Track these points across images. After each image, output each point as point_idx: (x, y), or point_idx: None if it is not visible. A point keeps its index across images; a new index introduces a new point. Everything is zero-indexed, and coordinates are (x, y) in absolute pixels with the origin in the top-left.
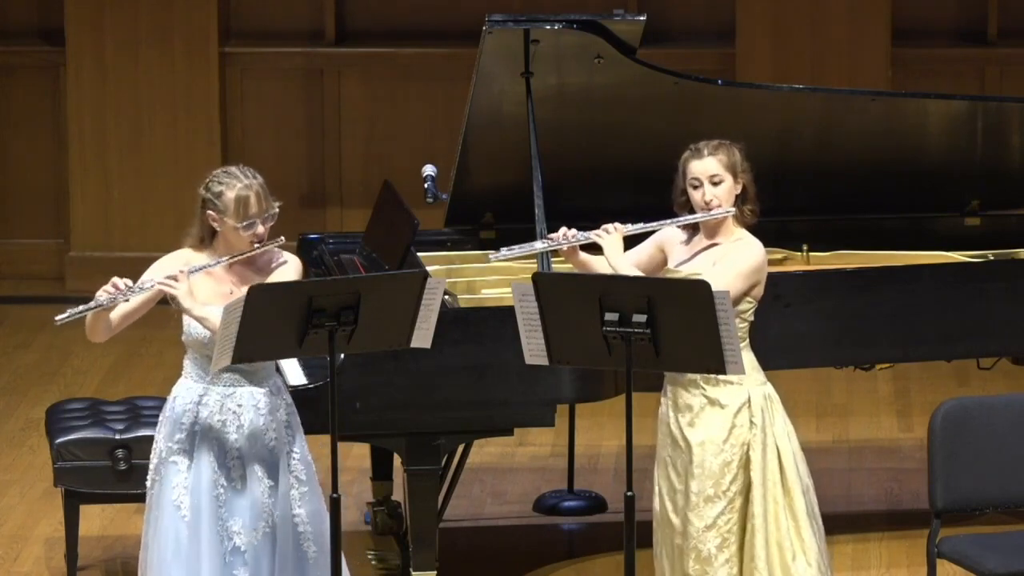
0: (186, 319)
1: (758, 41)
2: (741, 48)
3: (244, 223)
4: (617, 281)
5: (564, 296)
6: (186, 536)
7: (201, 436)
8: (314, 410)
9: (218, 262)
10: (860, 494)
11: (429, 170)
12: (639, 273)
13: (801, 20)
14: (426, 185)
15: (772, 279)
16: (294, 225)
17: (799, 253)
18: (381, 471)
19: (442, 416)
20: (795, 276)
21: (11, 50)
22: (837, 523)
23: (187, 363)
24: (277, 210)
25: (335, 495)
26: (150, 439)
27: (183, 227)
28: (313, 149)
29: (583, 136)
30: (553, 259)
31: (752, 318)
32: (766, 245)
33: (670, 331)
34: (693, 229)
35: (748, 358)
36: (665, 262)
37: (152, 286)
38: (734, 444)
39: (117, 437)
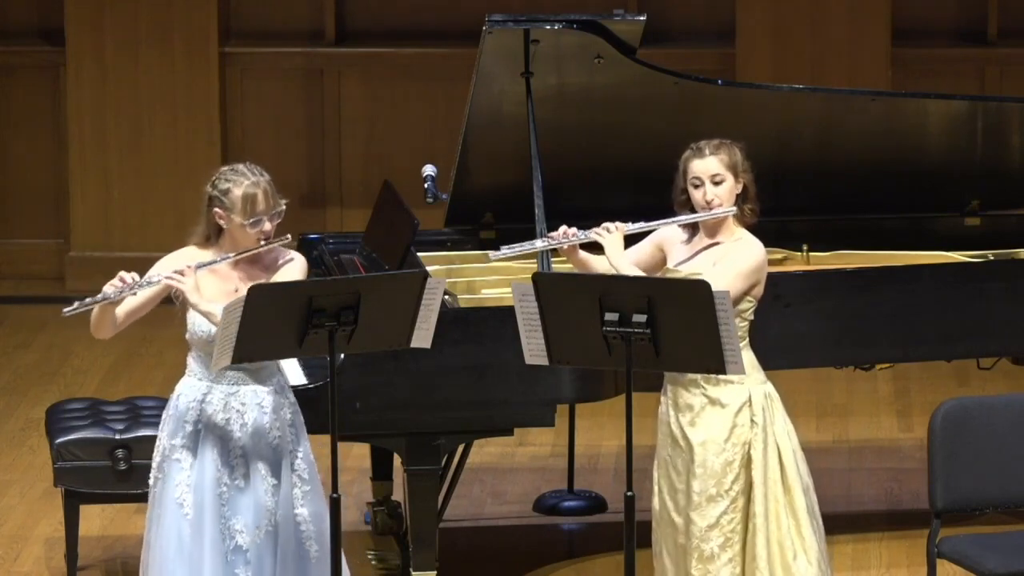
0: (190, 317)
1: (758, 41)
2: (741, 48)
3: (251, 220)
4: (617, 281)
5: (564, 296)
6: (188, 534)
7: (205, 434)
8: (314, 410)
9: (224, 258)
10: (860, 494)
11: (429, 170)
12: (640, 272)
13: (801, 20)
14: (426, 185)
15: (772, 279)
16: (294, 225)
17: (799, 253)
18: (381, 471)
19: (442, 416)
20: (795, 276)
21: (11, 50)
22: (837, 523)
23: (191, 361)
24: (284, 208)
25: (335, 495)
26: (150, 439)
27: (183, 227)
28: (313, 149)
29: (583, 136)
30: (553, 259)
31: (752, 317)
32: (766, 245)
33: (670, 331)
34: (693, 228)
35: (748, 357)
36: (664, 261)
37: (159, 280)
38: (735, 443)
39: (117, 437)
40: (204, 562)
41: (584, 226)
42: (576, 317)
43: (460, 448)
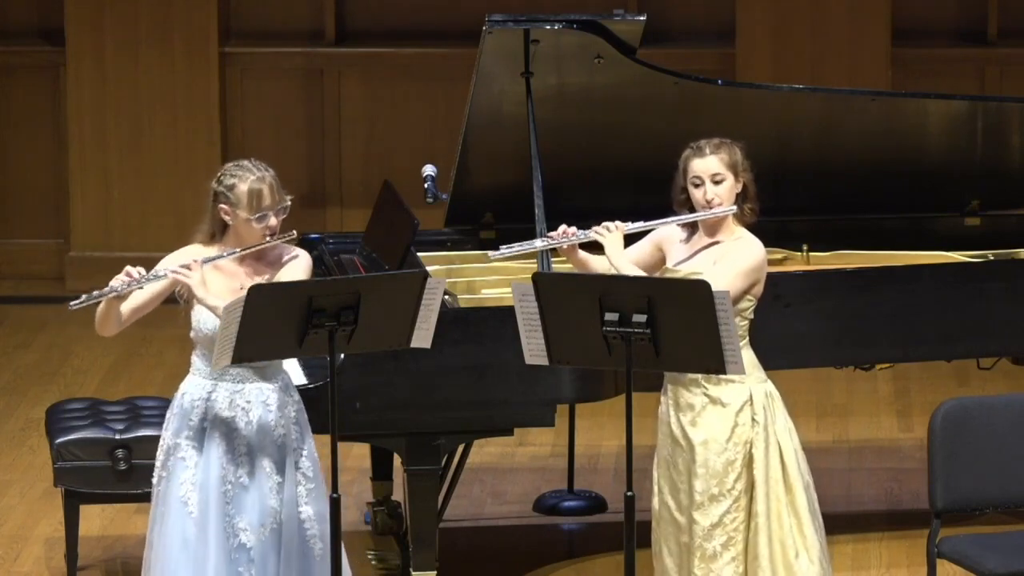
0: (194, 316)
1: (758, 41)
2: (741, 48)
3: (257, 215)
4: (617, 281)
5: (564, 296)
6: (193, 533)
7: (210, 432)
8: (314, 410)
9: (231, 253)
10: (860, 494)
11: (429, 170)
12: (640, 272)
13: (801, 20)
14: (426, 185)
15: (772, 279)
16: (294, 225)
17: (799, 253)
18: (381, 471)
19: (442, 416)
20: (795, 276)
21: (11, 50)
22: (837, 523)
23: (195, 359)
24: (289, 203)
25: (335, 495)
26: (150, 439)
27: (183, 227)
28: (313, 149)
29: (583, 136)
30: (553, 259)
31: (752, 316)
32: (766, 245)
33: (670, 331)
34: (692, 227)
35: (748, 356)
36: (663, 261)
37: (166, 275)
38: (737, 443)
39: (117, 437)
40: (208, 561)
41: (584, 226)
42: (576, 317)
43: (460, 448)
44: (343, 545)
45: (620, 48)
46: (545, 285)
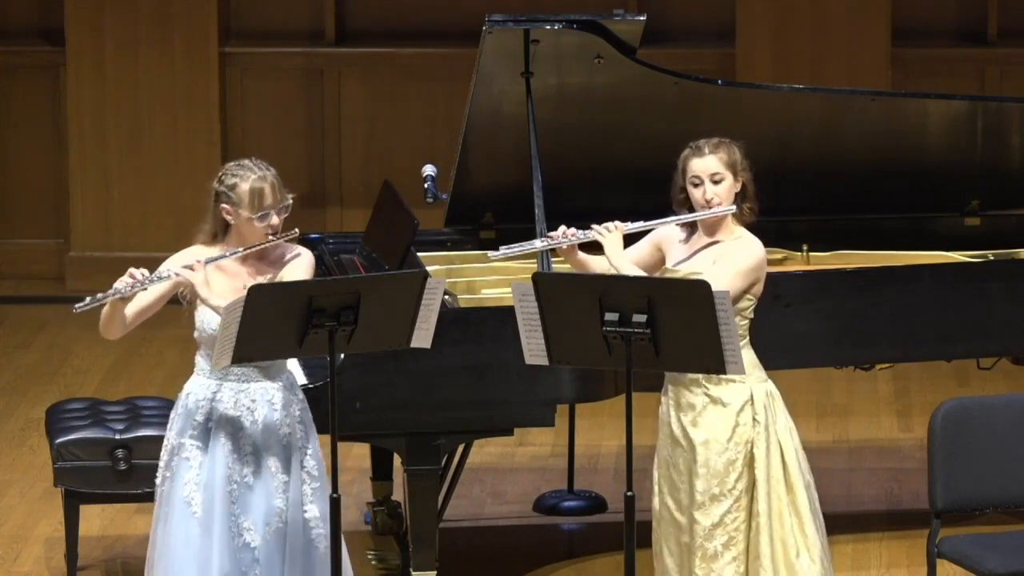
0: (198, 316)
1: (758, 41)
2: (741, 48)
3: (259, 214)
4: (617, 281)
5: (564, 296)
6: (197, 533)
7: (215, 432)
8: (314, 410)
9: (233, 253)
10: (860, 494)
11: (429, 170)
12: (640, 272)
13: (801, 20)
14: (426, 185)
15: (772, 279)
16: (294, 225)
17: (799, 253)
18: (381, 471)
19: (442, 416)
20: (795, 276)
21: (11, 50)
22: (837, 523)
23: (199, 360)
24: (291, 201)
25: (335, 495)
26: (150, 439)
27: (183, 227)
28: (313, 149)
29: (583, 136)
30: (553, 259)
31: (752, 316)
32: (766, 245)
33: (670, 331)
34: (691, 227)
35: (749, 355)
36: (663, 261)
37: (169, 275)
38: (738, 443)
39: (117, 437)
40: (213, 561)
41: (584, 226)
42: (576, 317)
43: (460, 448)
44: (345, 545)
45: (620, 48)
46: (545, 285)
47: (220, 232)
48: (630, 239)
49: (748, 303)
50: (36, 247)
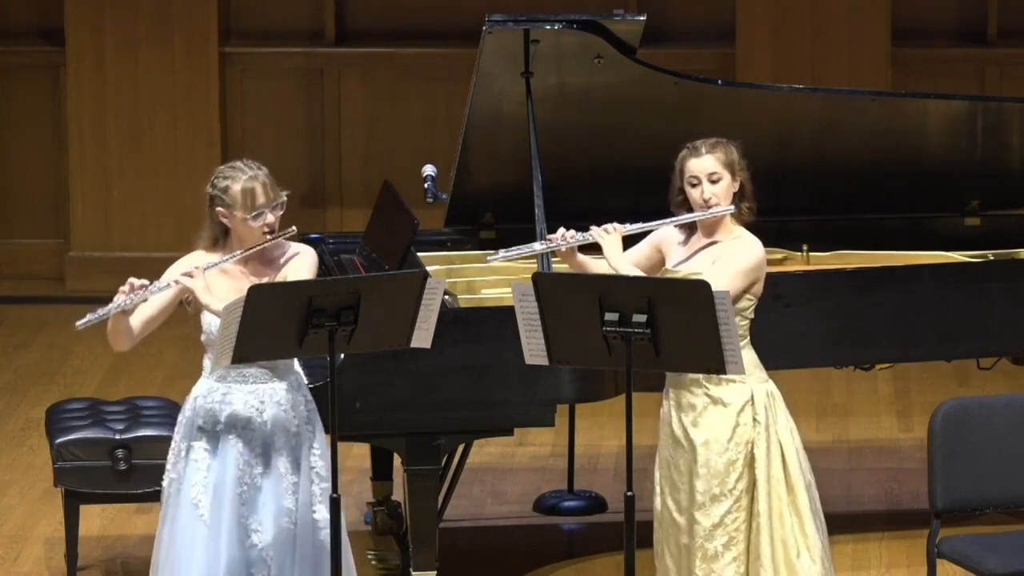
0: (205, 320)
1: (758, 41)
2: (741, 48)
3: (253, 214)
4: (617, 281)
5: (564, 296)
6: (203, 535)
7: (224, 434)
8: None
9: (231, 256)
10: (860, 494)
11: (429, 170)
12: (639, 273)
13: (801, 20)
14: (426, 185)
15: (772, 279)
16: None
17: (799, 253)
18: (381, 471)
19: (442, 416)
20: (795, 276)
21: (11, 50)
22: (837, 523)
23: (207, 363)
24: (285, 198)
25: (335, 495)
26: (150, 439)
27: (183, 227)
28: (313, 149)
29: (583, 136)
30: (553, 259)
31: (752, 316)
32: (766, 245)
33: (670, 331)
34: (691, 228)
35: (749, 356)
36: (662, 262)
37: (168, 285)
38: (738, 443)
39: (117, 437)
40: (220, 562)
41: (583, 227)
42: (576, 317)
43: (460, 448)
44: (349, 545)
45: (620, 48)
46: (545, 285)
47: (220, 236)
48: (629, 240)
49: (748, 303)
50: (36, 247)
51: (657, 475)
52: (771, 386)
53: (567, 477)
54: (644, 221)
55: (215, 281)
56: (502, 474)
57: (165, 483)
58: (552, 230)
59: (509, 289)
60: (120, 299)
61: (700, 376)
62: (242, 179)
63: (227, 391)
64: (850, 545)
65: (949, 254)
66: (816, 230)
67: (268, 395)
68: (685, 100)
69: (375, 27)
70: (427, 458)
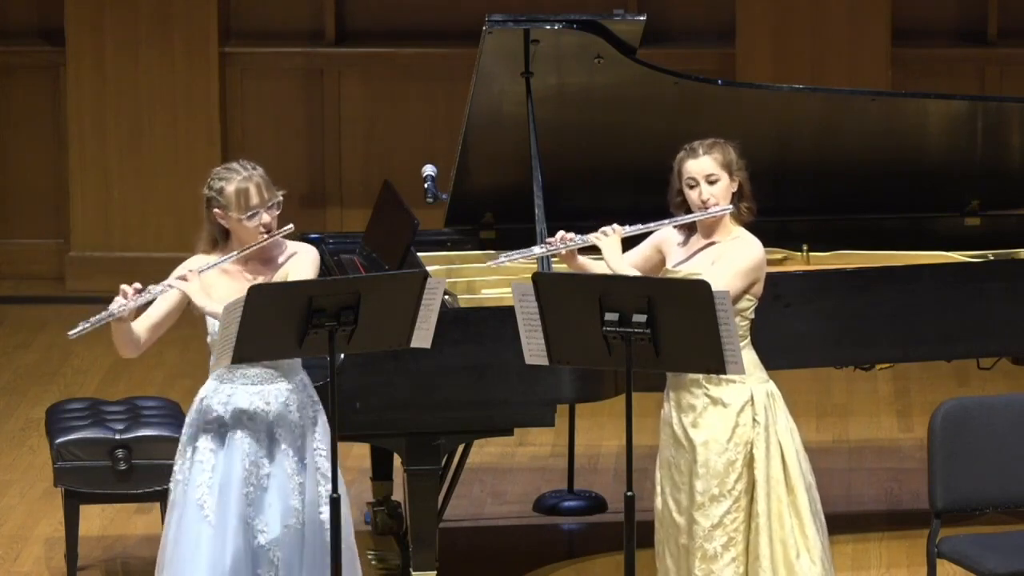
0: (210, 321)
1: (758, 41)
2: (741, 48)
3: (248, 214)
4: (617, 281)
5: (564, 296)
6: (208, 535)
7: (231, 435)
8: None
9: (227, 257)
10: (860, 494)
11: (429, 170)
12: (638, 275)
13: (801, 20)
14: (426, 185)
15: (772, 279)
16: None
17: (799, 253)
18: (381, 471)
19: (442, 416)
20: (795, 276)
21: (11, 50)
22: (837, 523)
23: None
24: (281, 198)
25: (335, 495)
26: (150, 439)
27: (183, 227)
28: (313, 149)
29: (583, 136)
30: (553, 259)
31: (752, 316)
32: (766, 245)
33: (670, 331)
34: (690, 229)
35: (750, 356)
36: (663, 263)
37: (163, 290)
38: (738, 443)
39: (117, 437)
40: (225, 564)
41: (583, 228)
42: (576, 317)
43: (460, 448)
44: (355, 546)
45: (620, 48)
46: (545, 285)
47: (220, 238)
48: (630, 241)
49: (748, 303)
50: (36, 247)
51: (658, 475)
52: (771, 386)
53: (567, 477)
54: (644, 222)
55: (216, 282)
56: (502, 474)
57: (172, 485)
58: (552, 230)
59: (509, 289)
60: (114, 306)
61: (700, 377)
62: (236, 180)
63: (232, 392)
64: (850, 545)
65: (949, 254)
66: (816, 230)
67: (274, 396)
68: (685, 100)
69: (375, 27)
70: (427, 458)
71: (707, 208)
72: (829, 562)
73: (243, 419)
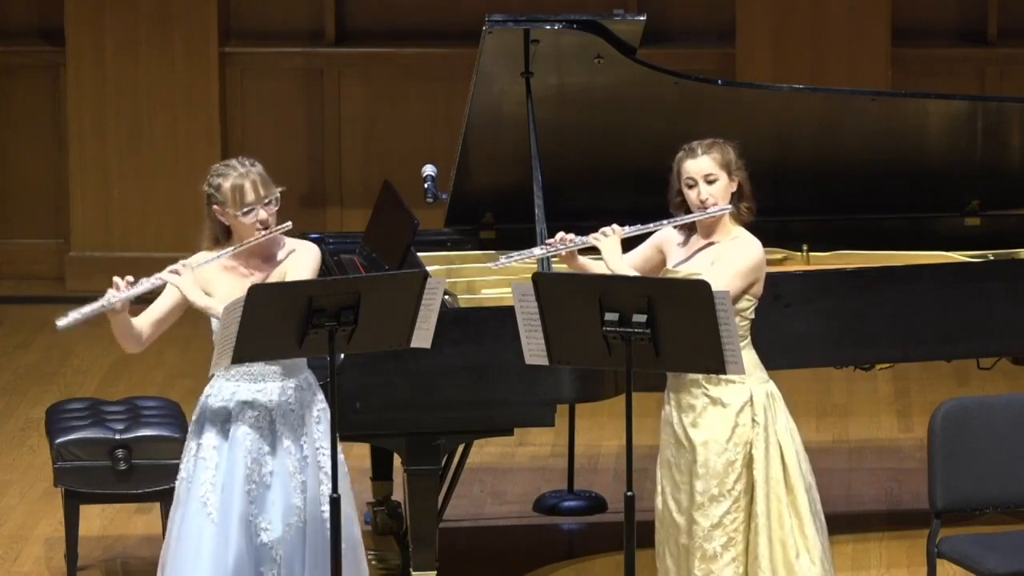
0: (214, 320)
1: (758, 41)
2: (741, 48)
3: (244, 210)
4: (617, 281)
5: (564, 296)
6: (211, 533)
7: (234, 433)
8: None
9: (223, 253)
10: (860, 494)
11: (429, 170)
12: (637, 275)
13: (801, 20)
14: (426, 185)
15: (772, 279)
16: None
17: (799, 253)
18: (381, 471)
19: (442, 416)
20: (795, 276)
21: (11, 50)
22: (837, 523)
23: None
24: (279, 195)
25: (335, 495)
26: (150, 439)
27: (183, 227)
28: (313, 149)
29: (583, 136)
30: (553, 260)
31: (752, 316)
32: (766, 245)
33: (670, 331)
34: (690, 229)
35: (750, 356)
36: (664, 263)
37: (155, 281)
38: (737, 443)
39: (117, 437)
40: (229, 561)
41: (583, 228)
42: (576, 317)
43: (460, 448)
44: (362, 546)
45: (620, 48)
46: (545, 285)
47: (222, 235)
48: (629, 242)
49: (748, 303)
50: (36, 247)
51: (659, 475)
52: (771, 387)
53: (567, 477)
54: (644, 222)
55: (215, 278)
56: (502, 474)
57: (177, 483)
58: (552, 230)
59: (509, 289)
60: (104, 298)
61: (699, 377)
62: (232, 176)
63: (236, 389)
64: (850, 545)
65: (949, 254)
66: (816, 230)
67: (278, 394)
68: (685, 100)
69: (375, 27)
70: (427, 458)
71: (706, 208)
72: (829, 562)
73: (245, 411)
